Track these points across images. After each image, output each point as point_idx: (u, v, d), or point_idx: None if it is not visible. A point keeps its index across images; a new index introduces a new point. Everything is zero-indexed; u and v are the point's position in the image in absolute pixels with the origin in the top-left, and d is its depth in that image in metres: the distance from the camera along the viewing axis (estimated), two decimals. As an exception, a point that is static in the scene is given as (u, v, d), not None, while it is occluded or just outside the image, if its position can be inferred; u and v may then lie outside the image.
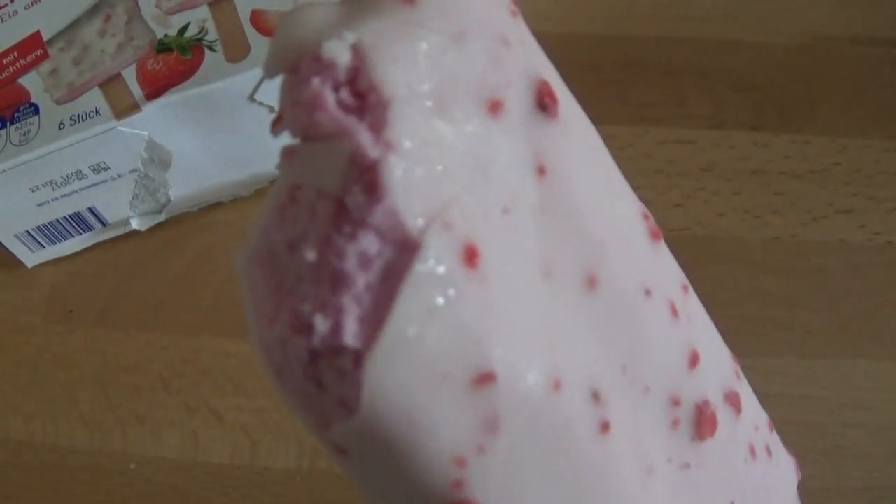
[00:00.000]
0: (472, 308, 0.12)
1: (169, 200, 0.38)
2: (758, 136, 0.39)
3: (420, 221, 0.12)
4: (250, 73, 0.34)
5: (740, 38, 0.41)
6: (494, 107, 0.13)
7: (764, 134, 0.39)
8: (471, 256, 0.12)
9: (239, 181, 0.38)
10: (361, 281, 0.12)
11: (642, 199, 0.40)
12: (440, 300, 0.12)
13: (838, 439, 0.33)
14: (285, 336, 0.12)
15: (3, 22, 0.37)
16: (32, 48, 0.36)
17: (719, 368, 0.17)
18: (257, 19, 0.35)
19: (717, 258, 0.36)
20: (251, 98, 0.35)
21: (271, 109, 0.35)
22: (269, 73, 0.13)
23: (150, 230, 0.39)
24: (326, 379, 0.12)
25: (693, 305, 0.17)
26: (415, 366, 0.12)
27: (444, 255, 0.12)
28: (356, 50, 0.12)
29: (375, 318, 0.12)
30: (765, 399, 0.34)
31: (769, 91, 0.40)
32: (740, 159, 0.38)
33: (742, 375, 0.18)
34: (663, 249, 0.16)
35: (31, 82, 0.36)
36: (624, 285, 0.15)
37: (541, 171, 0.14)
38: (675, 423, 0.16)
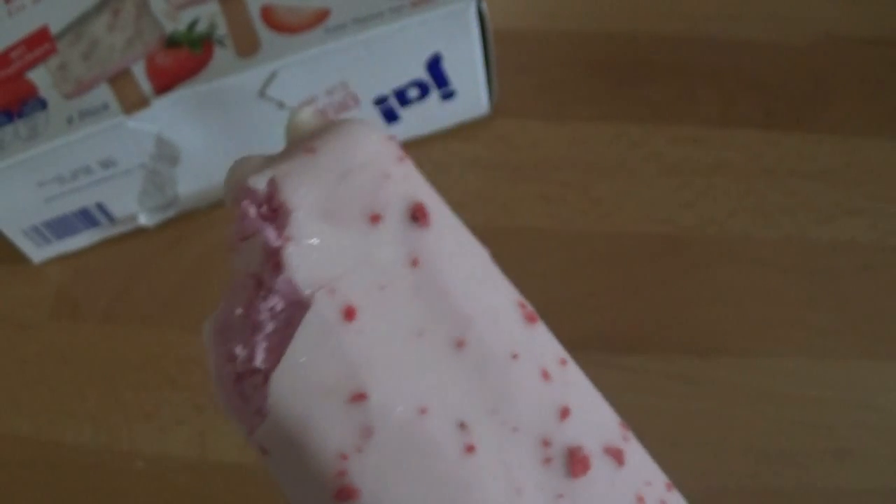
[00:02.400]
0: (348, 347, 0.18)
1: (177, 196, 0.38)
2: (769, 136, 0.38)
3: (310, 289, 0.18)
4: (260, 69, 0.34)
5: (752, 37, 0.41)
6: (374, 218, 0.19)
7: (775, 133, 0.39)
8: (349, 313, 0.18)
9: (248, 178, 0.38)
10: (270, 326, 0.18)
11: (653, 198, 0.40)
12: (324, 340, 0.18)
13: (848, 440, 0.33)
14: (220, 364, 0.18)
15: (10, 16, 0.37)
16: (40, 42, 0.36)
17: (597, 426, 0.20)
18: (268, 14, 0.35)
19: (727, 257, 0.36)
20: (261, 94, 0.35)
21: (281, 105, 0.35)
22: (228, 202, 0.20)
23: (158, 226, 0.38)
24: (248, 393, 0.18)
25: (572, 375, 0.20)
26: (305, 383, 0.17)
27: (327, 311, 0.18)
28: (272, 181, 0.19)
29: (279, 350, 0.18)
30: (773, 399, 0.34)
31: (780, 90, 0.39)
32: (751, 158, 0.38)
33: (633, 440, 0.21)
34: (539, 330, 0.20)
35: (40, 77, 0.35)
36: (491, 349, 0.19)
37: (414, 262, 0.19)
38: (548, 460, 0.19)
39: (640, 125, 0.39)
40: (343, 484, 0.18)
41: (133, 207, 0.38)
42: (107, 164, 0.35)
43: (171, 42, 0.35)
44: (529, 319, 0.20)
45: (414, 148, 0.29)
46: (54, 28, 0.36)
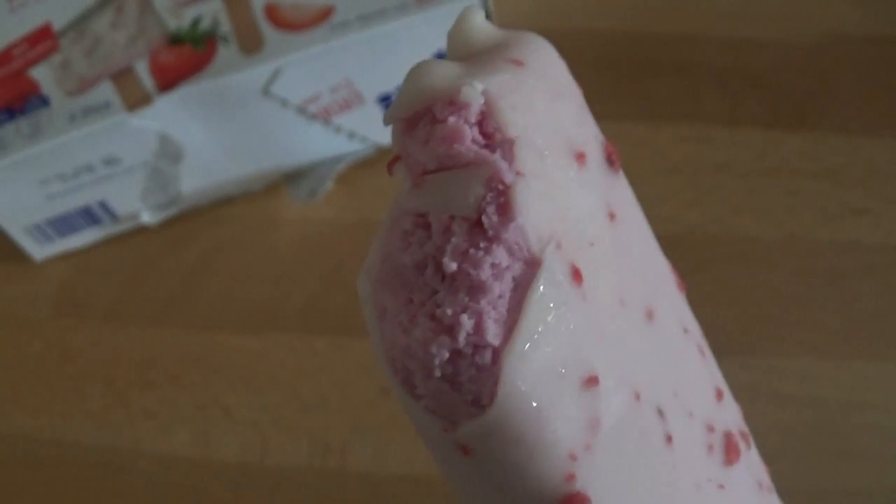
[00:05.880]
0: (579, 319, 0.14)
1: (180, 194, 0.37)
2: (773, 135, 0.38)
3: (540, 241, 0.14)
4: (264, 67, 0.34)
5: (756, 36, 0.41)
6: (580, 157, 0.16)
7: (779, 133, 0.38)
8: (576, 275, 0.15)
9: (251, 176, 0.38)
10: (496, 289, 0.14)
11: (657, 197, 0.40)
12: (557, 309, 0.14)
13: (852, 440, 0.33)
14: (428, 338, 0.14)
15: (12, 13, 0.36)
16: (42, 39, 0.36)
17: (733, 409, 0.19)
18: (272, 12, 0.35)
19: (731, 257, 0.36)
20: (264, 91, 0.35)
21: (284, 103, 0.35)
22: (392, 118, 0.15)
23: (161, 224, 0.38)
24: (463, 377, 0.14)
25: (710, 351, 0.19)
26: (541, 364, 0.14)
27: (558, 272, 0.14)
28: (486, 96, 0.14)
29: (510, 321, 0.14)
30: (778, 399, 0.34)
31: (785, 90, 0.39)
32: (755, 158, 0.38)
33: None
34: (685, 300, 0.19)
35: (42, 74, 0.35)
36: (671, 321, 0.17)
37: (612, 216, 0.16)
38: (711, 447, 0.17)
39: (644, 124, 0.39)
40: (571, 490, 0.15)
41: (135, 205, 0.37)
42: (109, 161, 0.35)
43: (175, 39, 0.35)
44: (680, 288, 0.18)
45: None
46: (57, 25, 0.36)
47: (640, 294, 0.16)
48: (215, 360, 0.36)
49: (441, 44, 0.35)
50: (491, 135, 0.14)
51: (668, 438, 0.16)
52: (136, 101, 0.34)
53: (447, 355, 0.14)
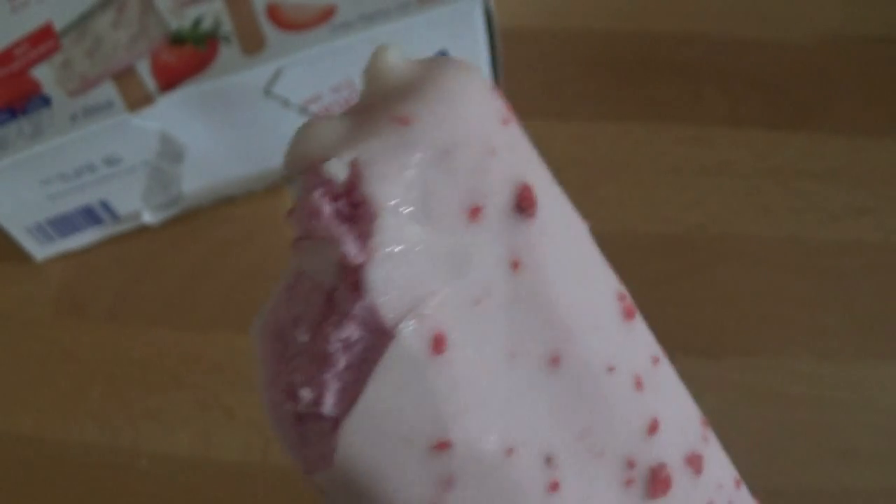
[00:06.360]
0: (435, 387, 0.15)
1: (181, 194, 0.37)
2: (774, 135, 0.38)
3: (396, 315, 0.14)
4: (265, 67, 0.34)
5: (757, 36, 0.41)
6: (474, 212, 0.15)
7: (780, 133, 0.38)
8: (438, 344, 0.15)
9: (252, 175, 0.38)
10: (343, 361, 0.15)
11: (658, 197, 0.40)
12: (408, 380, 0.15)
13: (854, 440, 0.33)
14: (278, 400, 0.15)
15: (14, 13, 0.36)
16: (44, 39, 0.36)
17: (682, 433, 0.19)
18: (274, 12, 0.35)
19: (732, 257, 0.36)
20: (266, 92, 0.35)
21: (285, 103, 0.35)
22: (286, 179, 0.16)
23: (162, 224, 0.38)
24: (310, 436, 0.15)
25: (663, 375, 0.19)
26: (383, 432, 0.15)
27: (414, 344, 0.15)
28: (353, 166, 0.14)
29: (353, 392, 0.15)
30: (778, 400, 0.34)
31: (785, 90, 0.39)
32: (756, 158, 0.38)
33: (711, 437, 0.20)
34: (637, 326, 0.18)
35: (43, 74, 0.35)
36: (587, 364, 0.17)
37: (514, 265, 0.16)
38: (629, 482, 0.17)
39: (646, 124, 0.39)
40: None
41: (137, 205, 0.37)
42: (111, 161, 0.35)
43: (176, 39, 0.35)
44: (628, 315, 0.18)
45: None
46: (58, 25, 0.36)
47: (542, 343, 0.16)
48: (216, 359, 0.36)
49: (443, 43, 0.35)
50: (358, 205, 0.14)
51: (553, 486, 0.16)
52: (137, 100, 0.34)
53: (293, 418, 0.15)
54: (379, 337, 0.15)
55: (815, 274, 0.36)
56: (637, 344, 0.18)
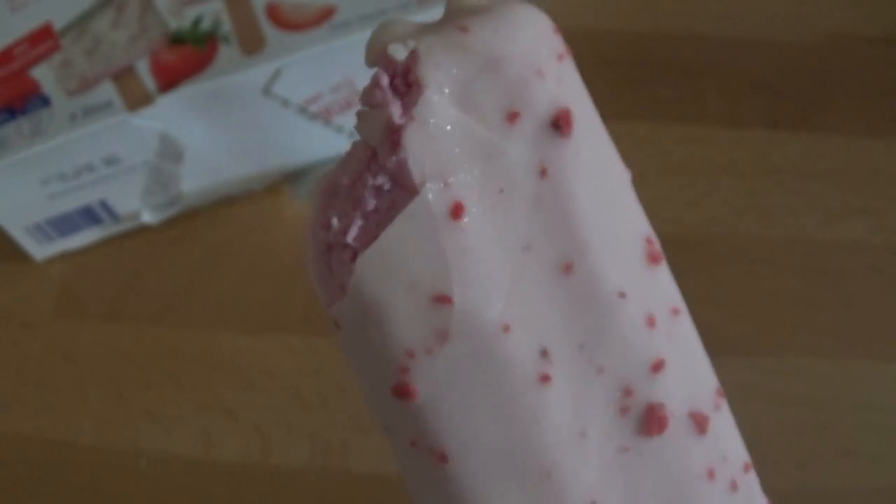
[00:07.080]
0: (446, 247, 0.17)
1: (181, 194, 0.37)
2: (775, 136, 0.38)
3: (424, 176, 0.17)
4: (265, 67, 0.34)
5: (758, 36, 0.41)
6: (512, 116, 0.17)
7: (781, 133, 0.38)
8: (457, 211, 0.17)
9: (252, 175, 0.38)
10: (371, 203, 0.17)
11: (658, 197, 0.40)
12: (422, 234, 0.17)
13: (854, 441, 0.33)
14: (316, 231, 0.18)
15: (13, 12, 0.36)
16: (43, 39, 0.36)
17: (689, 388, 0.19)
18: (273, 12, 0.35)
19: (732, 257, 0.36)
20: (265, 91, 0.35)
21: (285, 103, 0.35)
22: (367, 64, 0.18)
23: (162, 224, 0.38)
24: (334, 265, 0.18)
25: (679, 328, 0.19)
26: (392, 271, 0.17)
27: (434, 204, 0.17)
28: (413, 52, 0.17)
29: (374, 231, 0.17)
30: (778, 399, 0.34)
31: (786, 90, 0.39)
32: (757, 158, 0.38)
33: (724, 409, 0.20)
34: (661, 274, 0.19)
35: (43, 74, 0.35)
36: (598, 281, 0.18)
37: (542, 172, 0.17)
38: (624, 410, 0.18)
39: (647, 124, 0.39)
40: (402, 381, 0.17)
41: (136, 205, 0.37)
42: (110, 161, 0.35)
43: (176, 39, 0.35)
44: (652, 259, 0.19)
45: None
46: (58, 25, 0.36)
47: (557, 247, 0.18)
48: (216, 359, 0.36)
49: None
50: (411, 84, 0.17)
51: (544, 378, 0.17)
52: (136, 100, 0.34)
53: (323, 246, 0.18)
54: (405, 192, 0.17)
55: (815, 274, 0.36)
56: (657, 288, 0.19)
